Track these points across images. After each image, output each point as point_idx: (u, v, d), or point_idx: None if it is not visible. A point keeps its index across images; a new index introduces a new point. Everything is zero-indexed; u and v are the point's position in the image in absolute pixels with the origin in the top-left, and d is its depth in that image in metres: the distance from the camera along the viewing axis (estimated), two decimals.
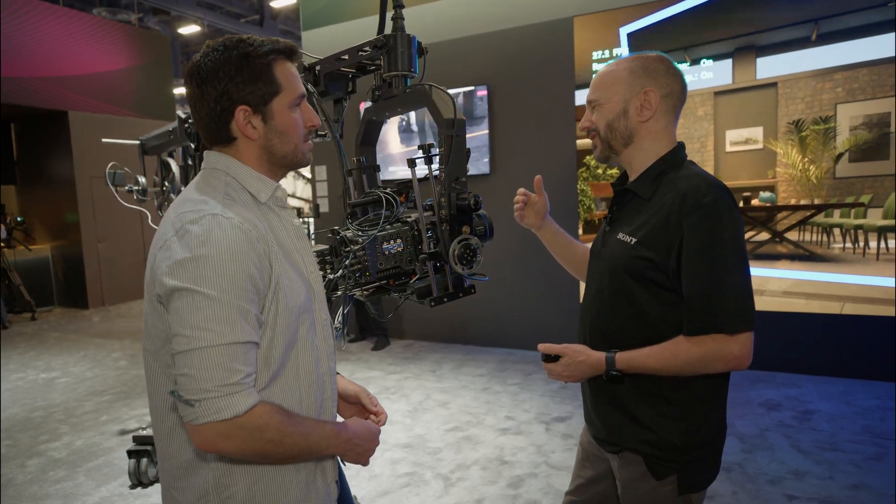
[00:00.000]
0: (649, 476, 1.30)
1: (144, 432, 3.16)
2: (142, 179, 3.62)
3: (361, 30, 5.70)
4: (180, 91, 13.48)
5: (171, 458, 1.05)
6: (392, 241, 1.52)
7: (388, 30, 1.71)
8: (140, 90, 9.32)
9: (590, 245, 1.67)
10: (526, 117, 5.02)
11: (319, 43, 6.03)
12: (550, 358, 1.39)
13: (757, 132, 4.25)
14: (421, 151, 1.57)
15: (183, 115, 2.95)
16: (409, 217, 1.59)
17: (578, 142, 4.87)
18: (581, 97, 4.82)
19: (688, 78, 4.31)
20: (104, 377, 5.10)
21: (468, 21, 5.18)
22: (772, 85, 4.19)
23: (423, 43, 1.69)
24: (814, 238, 4.15)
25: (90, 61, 8.72)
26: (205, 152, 1.16)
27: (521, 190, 1.73)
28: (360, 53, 1.72)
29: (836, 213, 4.09)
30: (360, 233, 1.51)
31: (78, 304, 8.69)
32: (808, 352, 4.18)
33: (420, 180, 1.57)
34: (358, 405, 1.32)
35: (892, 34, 3.84)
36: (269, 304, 1.00)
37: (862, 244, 4.02)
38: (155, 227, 3.83)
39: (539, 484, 2.88)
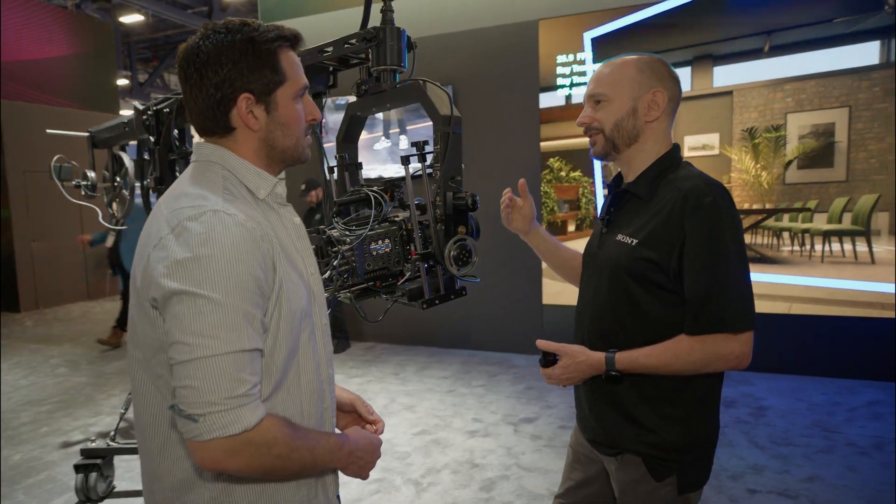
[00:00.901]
0: (649, 477, 1.30)
1: (93, 444, 2.96)
2: (91, 174, 3.40)
3: (322, 25, 5.57)
4: (123, 82, 12.85)
5: (161, 477, 0.96)
6: (380, 242, 1.47)
7: (371, 23, 1.66)
8: (81, 80, 8.80)
9: (574, 248, 1.67)
10: (490, 119, 5.02)
11: None
12: (547, 362, 1.37)
13: (713, 138, 4.40)
14: (415, 148, 1.52)
15: (140, 107, 2.79)
16: (397, 216, 1.54)
17: (542, 144, 4.91)
18: (546, 100, 4.87)
19: None
20: (42, 385, 4.77)
21: (433, 20, 5.14)
22: (727, 93, 4.35)
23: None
24: (765, 241, 4.34)
25: (24, 46, 8.17)
26: (196, 143, 1.07)
27: (507, 192, 1.70)
28: (346, 46, 1.65)
29: (786, 217, 4.28)
30: (347, 232, 1.45)
31: (9, 308, 8.12)
32: (759, 350, 4.33)
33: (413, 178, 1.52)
34: (353, 414, 1.26)
35: (838, 49, 4.05)
36: (273, 309, 0.94)
37: (809, 247, 4.23)
38: (107, 224, 3.61)
39: (511, 486, 2.87)
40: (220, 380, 0.83)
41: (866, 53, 4.02)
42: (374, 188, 1.56)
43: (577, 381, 1.35)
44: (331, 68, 1.74)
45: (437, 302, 1.51)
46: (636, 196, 1.33)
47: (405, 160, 1.51)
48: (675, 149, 1.36)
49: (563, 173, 4.90)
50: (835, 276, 4.14)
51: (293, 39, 1.03)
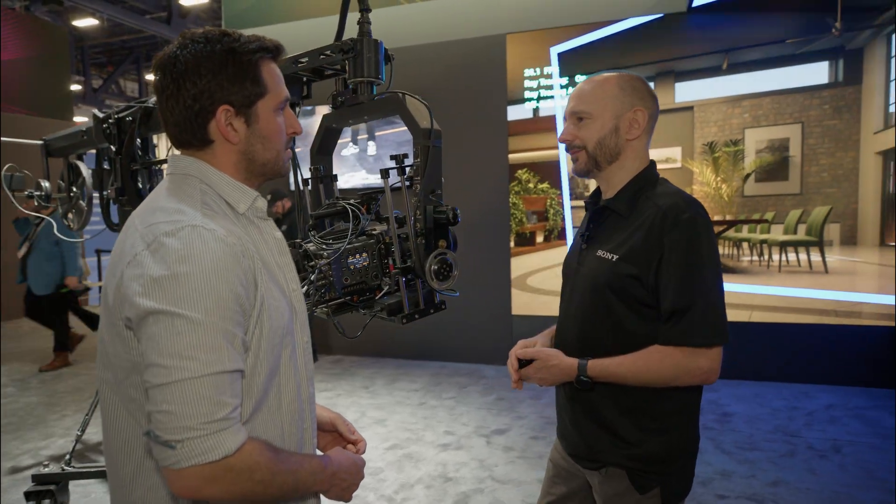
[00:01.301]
0: (633, 490, 1.30)
1: (47, 469, 2.80)
2: (45, 184, 3.25)
3: (288, 34, 5.50)
4: (76, 88, 12.39)
5: None
6: (358, 255, 1.44)
7: (343, 35, 1.64)
8: (32, 85, 8.43)
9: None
10: (459, 131, 5.04)
11: None
12: (523, 363, 1.38)
13: (676, 152, 4.54)
14: (394, 161, 1.51)
15: (100, 115, 2.69)
16: (374, 230, 1.52)
17: (510, 156, 4.96)
18: (514, 112, 4.92)
19: None
20: None
21: (401, 33, 5.15)
22: (688, 108, 4.49)
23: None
24: (725, 251, 4.48)
25: None
26: (171, 156, 1.03)
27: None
28: (322, 57, 1.63)
29: (745, 228, 4.44)
30: (324, 246, 1.42)
31: None
32: (723, 357, 4.48)
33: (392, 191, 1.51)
34: (334, 433, 1.23)
35: (791, 68, 4.25)
36: (254, 327, 0.91)
37: (767, 257, 4.39)
38: (63, 237, 3.44)
39: (486, 499, 2.85)
40: (200, 404, 0.80)
41: (817, 73, 4.22)
42: (351, 201, 1.54)
43: (550, 384, 1.37)
44: (305, 79, 1.72)
45: (416, 316, 1.50)
46: (615, 212, 1.35)
47: (384, 173, 1.49)
48: (653, 165, 1.39)
49: (531, 185, 4.96)
50: (791, 285, 4.31)
51: (275, 51, 1.01)
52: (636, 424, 1.31)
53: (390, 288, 1.48)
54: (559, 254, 4.88)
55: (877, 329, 4.16)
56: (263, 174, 1.03)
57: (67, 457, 2.85)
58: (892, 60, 4.05)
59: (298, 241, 1.43)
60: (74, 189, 3.18)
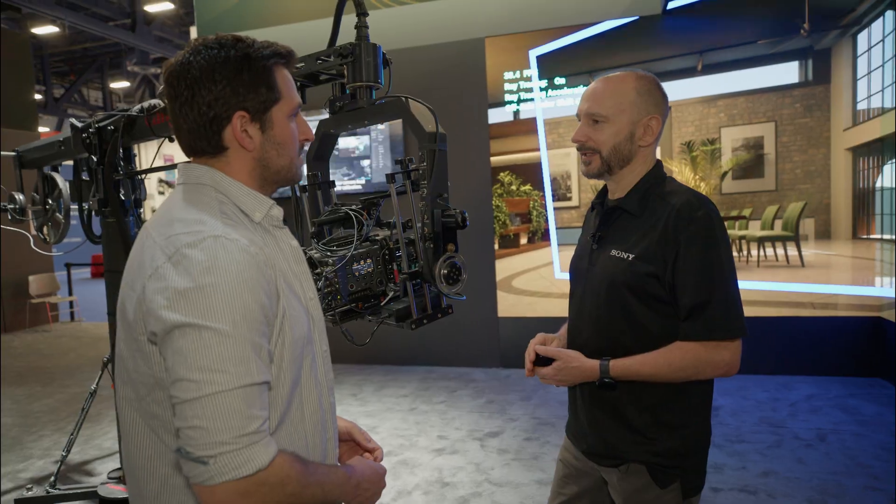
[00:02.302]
0: (653, 485, 1.32)
1: (30, 493, 2.70)
2: (19, 197, 3.13)
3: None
4: (38, 97, 12.02)
5: None
6: (362, 262, 1.43)
7: (337, 39, 1.63)
8: None
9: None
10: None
11: None
12: (541, 361, 1.38)
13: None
14: (399, 166, 1.50)
15: (79, 125, 2.60)
16: (377, 235, 1.51)
17: (493, 158, 4.98)
18: (494, 115, 4.95)
19: None
20: None
21: (381, 37, 5.12)
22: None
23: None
24: None
25: None
26: (182, 165, 1.01)
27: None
28: (319, 62, 1.62)
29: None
30: (328, 253, 1.41)
31: None
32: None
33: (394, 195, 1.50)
34: (350, 442, 1.21)
35: (763, 68, 4.37)
36: (277, 338, 0.89)
37: (745, 253, 4.49)
38: (38, 250, 3.32)
39: (485, 503, 2.84)
40: (231, 417, 0.78)
41: (787, 73, 4.35)
42: (353, 207, 1.53)
43: (568, 384, 1.38)
44: (299, 84, 1.70)
45: (425, 322, 1.49)
46: (627, 212, 1.36)
47: (390, 178, 1.49)
48: (659, 164, 1.40)
49: (513, 187, 4.99)
50: (770, 279, 4.42)
51: (288, 56, 1.00)
52: (656, 420, 1.32)
53: (395, 294, 1.47)
54: (543, 255, 4.92)
55: (853, 320, 4.29)
56: (277, 181, 1.02)
57: (52, 479, 2.75)
58: (858, 59, 4.20)
59: (302, 248, 1.41)
60: (50, 202, 3.08)
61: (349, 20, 1.63)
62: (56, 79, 17.81)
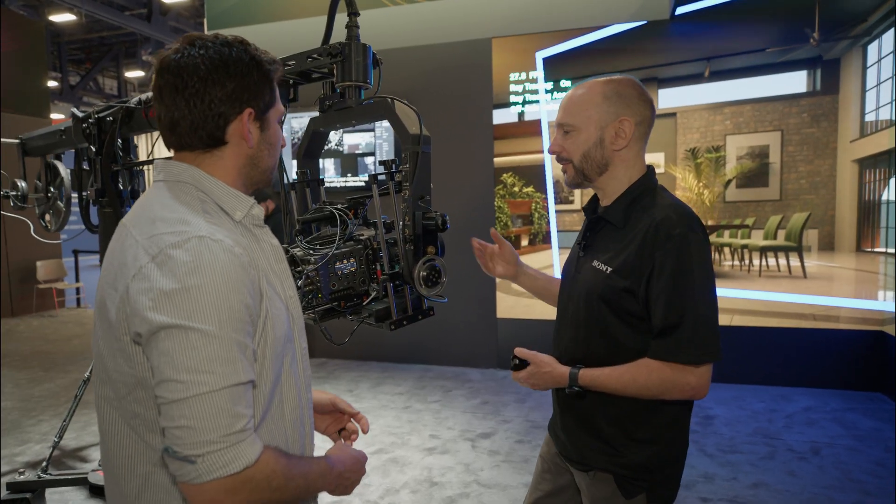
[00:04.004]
0: (619, 495, 1.31)
1: (22, 477, 2.74)
2: (21, 184, 3.17)
3: (270, 35, 5.46)
4: (53, 84, 12.14)
5: None
6: (345, 261, 1.44)
7: (331, 38, 1.63)
8: (7, 82, 8.23)
9: (529, 262, 1.67)
10: (444, 133, 5.04)
11: None
12: (516, 366, 1.40)
13: (659, 157, 4.59)
14: (382, 167, 1.50)
15: (80, 114, 2.63)
16: (362, 235, 1.52)
17: (496, 159, 4.98)
18: (499, 116, 4.94)
19: None
20: None
21: (387, 35, 5.13)
22: (671, 115, 4.55)
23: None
24: None
25: None
26: (161, 161, 1.01)
27: (475, 241, 1.69)
28: (310, 60, 1.62)
29: (727, 233, 4.51)
30: (311, 251, 1.41)
31: None
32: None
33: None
34: (334, 413, 1.26)
35: (770, 76, 4.32)
36: (260, 337, 0.91)
37: (747, 262, 4.46)
38: (39, 238, 3.36)
39: None
40: (219, 417, 0.80)
41: (795, 82, 4.30)
42: (339, 206, 1.54)
43: (541, 388, 1.38)
44: (291, 81, 1.71)
45: (404, 323, 1.50)
46: (610, 223, 1.34)
47: (373, 178, 1.50)
48: (649, 174, 1.36)
49: (516, 189, 4.98)
50: (771, 290, 4.38)
51: (279, 66, 1.03)
52: (625, 434, 1.31)
53: (378, 294, 1.48)
54: (544, 257, 4.91)
55: (854, 333, 4.25)
56: (259, 181, 1.04)
57: (44, 464, 2.78)
58: (867, 70, 4.14)
59: (285, 246, 1.42)
60: (52, 189, 3.12)
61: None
62: (72, 66, 17.98)
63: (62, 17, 14.08)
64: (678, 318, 1.21)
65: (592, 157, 1.32)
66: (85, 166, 2.87)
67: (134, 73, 18.69)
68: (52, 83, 11.93)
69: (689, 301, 1.21)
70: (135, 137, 2.74)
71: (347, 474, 1.04)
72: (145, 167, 2.67)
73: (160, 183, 0.98)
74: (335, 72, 1.60)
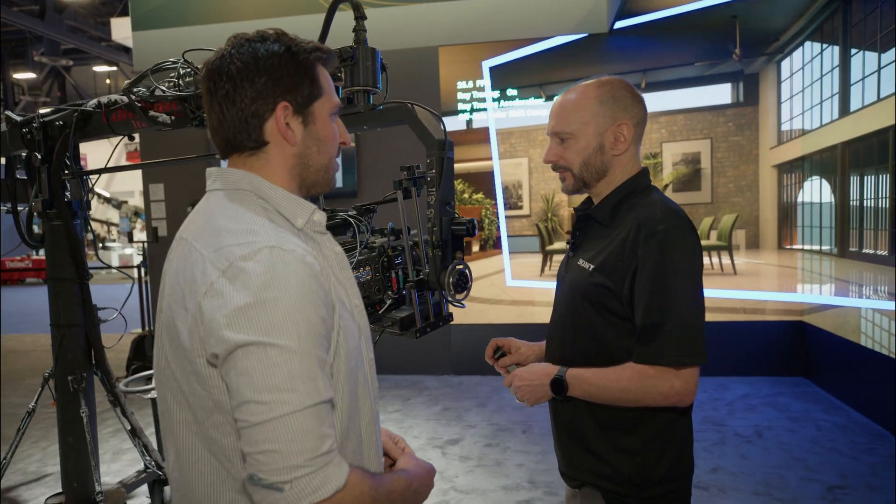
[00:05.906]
0: None
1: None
2: None
3: (201, 36, 5.19)
4: None
5: None
6: (361, 269, 1.40)
7: (331, 41, 1.59)
8: None
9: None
10: (394, 141, 5.01)
11: (151, 47, 5.35)
12: (498, 356, 1.44)
13: None
14: (406, 172, 1.48)
15: (17, 118, 2.37)
16: (374, 242, 1.49)
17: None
18: (447, 124, 4.96)
19: (544, 112, 4.73)
20: None
21: (333, 38, 5.03)
22: None
23: None
24: None
25: None
26: (215, 170, 0.95)
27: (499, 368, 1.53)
28: None
29: None
30: None
31: None
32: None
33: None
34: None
35: (700, 88, 4.66)
36: (333, 351, 0.86)
37: None
38: None
39: None
40: (305, 438, 0.74)
41: (721, 93, 4.67)
42: (352, 213, 1.51)
43: (526, 393, 1.30)
44: None
45: (428, 330, 1.48)
46: (597, 221, 1.31)
47: (398, 185, 1.47)
48: (642, 173, 1.32)
49: (465, 195, 5.03)
50: (706, 287, 4.69)
51: (329, 55, 0.97)
52: (612, 442, 1.25)
53: (393, 302, 1.46)
54: (495, 263, 4.98)
55: (779, 324, 4.65)
56: (315, 184, 0.98)
57: None
58: (782, 84, 4.57)
59: None
60: None
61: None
62: None
63: None
64: (660, 319, 1.15)
65: (592, 164, 1.28)
66: (18, 175, 2.59)
67: (23, 75, 17.08)
68: None
69: (671, 301, 1.15)
70: (80, 146, 2.51)
71: (422, 489, 0.99)
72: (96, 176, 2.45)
73: (218, 192, 0.92)
74: (343, 76, 1.57)
